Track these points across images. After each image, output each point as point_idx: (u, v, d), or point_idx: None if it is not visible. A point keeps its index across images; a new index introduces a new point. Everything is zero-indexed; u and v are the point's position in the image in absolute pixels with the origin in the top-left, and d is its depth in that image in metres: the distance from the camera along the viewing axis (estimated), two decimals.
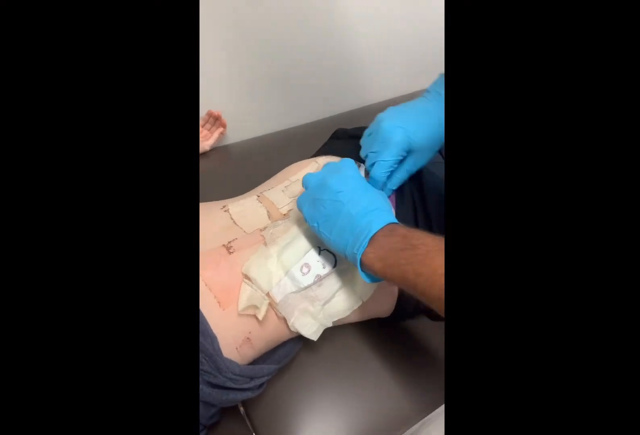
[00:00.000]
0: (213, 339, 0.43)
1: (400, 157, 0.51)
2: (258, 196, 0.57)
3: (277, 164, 0.81)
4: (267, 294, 0.47)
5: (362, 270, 0.43)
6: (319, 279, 0.49)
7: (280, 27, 0.90)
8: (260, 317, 0.45)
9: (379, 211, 0.43)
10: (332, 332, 0.55)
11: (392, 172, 0.53)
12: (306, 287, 0.49)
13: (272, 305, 0.48)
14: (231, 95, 0.93)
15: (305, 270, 0.49)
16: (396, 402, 0.52)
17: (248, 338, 0.47)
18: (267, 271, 0.48)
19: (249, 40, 0.89)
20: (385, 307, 0.55)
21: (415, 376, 0.54)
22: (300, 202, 0.49)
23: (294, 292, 0.48)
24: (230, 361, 0.44)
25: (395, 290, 0.54)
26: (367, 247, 0.41)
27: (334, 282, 0.50)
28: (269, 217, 0.55)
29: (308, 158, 0.67)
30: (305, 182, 0.50)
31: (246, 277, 0.48)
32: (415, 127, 0.51)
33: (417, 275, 0.36)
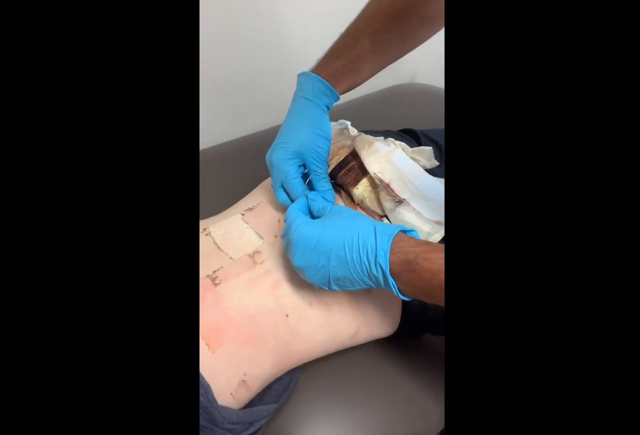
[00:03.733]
0: (206, 388, 0.38)
1: (297, 164, 0.49)
2: (243, 214, 0.51)
3: (252, 169, 0.76)
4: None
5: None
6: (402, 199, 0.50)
7: (247, 29, 0.85)
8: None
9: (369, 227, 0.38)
10: (328, 358, 0.50)
11: (308, 182, 0.50)
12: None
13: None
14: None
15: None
16: (404, 427, 0.49)
17: (243, 380, 0.42)
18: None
19: (216, 41, 0.83)
20: (385, 329, 0.50)
21: (422, 398, 0.51)
22: (314, 279, 0.41)
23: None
24: (226, 409, 0.39)
25: (398, 312, 0.50)
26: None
27: (406, 211, 0.49)
28: (260, 237, 0.49)
29: None
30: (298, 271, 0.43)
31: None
32: (289, 139, 0.50)
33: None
